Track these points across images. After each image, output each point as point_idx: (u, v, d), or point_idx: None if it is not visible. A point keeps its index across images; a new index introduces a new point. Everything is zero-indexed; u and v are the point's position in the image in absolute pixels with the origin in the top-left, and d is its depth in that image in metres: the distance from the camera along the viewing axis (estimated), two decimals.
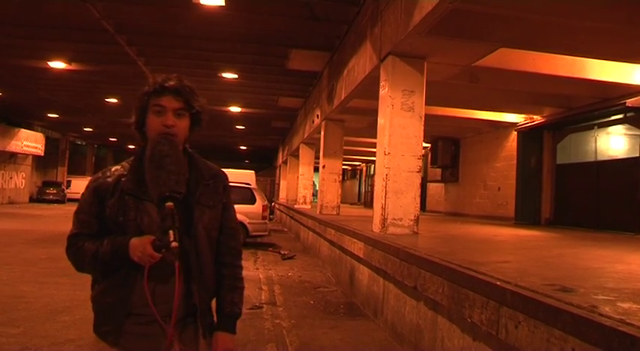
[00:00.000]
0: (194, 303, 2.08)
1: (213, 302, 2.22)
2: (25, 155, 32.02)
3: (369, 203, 25.19)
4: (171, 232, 1.88)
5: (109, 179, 2.05)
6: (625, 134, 11.50)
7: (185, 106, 2.06)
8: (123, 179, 2.04)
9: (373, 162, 23.41)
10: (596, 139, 12.22)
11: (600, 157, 12.00)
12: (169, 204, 1.90)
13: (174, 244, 1.86)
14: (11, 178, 31.22)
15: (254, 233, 14.10)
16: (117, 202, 2.01)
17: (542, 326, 2.72)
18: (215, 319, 2.19)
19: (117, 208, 2.00)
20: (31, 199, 33.87)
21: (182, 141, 2.09)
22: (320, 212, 13.30)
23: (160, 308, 1.95)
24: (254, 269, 10.24)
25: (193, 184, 2.10)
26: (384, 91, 7.54)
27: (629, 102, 10.12)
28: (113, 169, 2.10)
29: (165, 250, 1.88)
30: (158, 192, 1.92)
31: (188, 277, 2.04)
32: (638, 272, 4.57)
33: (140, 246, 1.91)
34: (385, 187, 7.21)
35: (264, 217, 14.34)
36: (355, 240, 7.52)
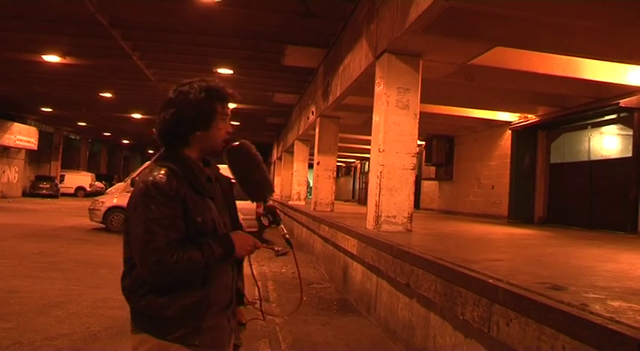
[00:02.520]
0: (238, 289, 2.25)
1: None
2: (19, 149, 31.85)
3: (363, 200, 25.24)
4: (282, 226, 2.30)
5: (175, 182, 1.96)
6: (618, 134, 11.56)
7: None
8: (186, 180, 2.01)
9: (368, 159, 23.42)
10: (589, 138, 12.27)
11: (593, 157, 12.05)
12: (271, 203, 2.24)
13: (287, 236, 2.26)
14: (4, 172, 31.05)
15: (248, 229, 13.99)
16: (193, 204, 1.99)
17: (533, 324, 2.75)
18: None
19: (195, 208, 1.99)
20: (24, 194, 33.71)
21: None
22: (314, 209, 13.31)
23: (225, 298, 2.09)
24: (247, 265, 10.20)
25: (225, 183, 2.35)
26: (379, 88, 7.55)
27: (623, 102, 10.16)
28: (168, 172, 1.98)
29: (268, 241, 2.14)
30: (264, 194, 2.25)
31: (232, 267, 2.19)
32: (628, 271, 4.60)
33: (249, 240, 2.10)
34: (379, 184, 7.22)
35: (257, 214, 14.33)
36: (349, 237, 7.53)
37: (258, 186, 2.22)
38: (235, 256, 2.08)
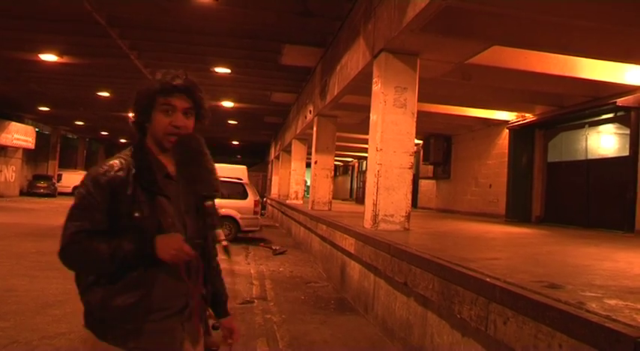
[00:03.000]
0: (202, 295, 2.09)
1: None
2: (16, 148, 31.76)
3: (360, 199, 25.22)
4: (220, 231, 1.92)
5: (121, 173, 1.93)
6: (615, 133, 11.58)
7: (193, 105, 2.03)
8: (132, 173, 1.95)
9: (365, 158, 23.43)
10: (586, 137, 12.29)
11: (591, 156, 12.07)
12: (210, 203, 1.92)
13: (224, 243, 1.89)
14: (1, 171, 30.97)
15: (245, 228, 14.10)
16: (132, 197, 1.92)
17: (530, 322, 2.75)
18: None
19: (132, 203, 1.91)
20: (22, 193, 33.63)
21: None
22: (312, 208, 13.31)
23: (176, 303, 1.96)
24: (245, 264, 10.25)
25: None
26: (376, 87, 7.56)
27: (620, 101, 10.19)
28: (117, 162, 1.97)
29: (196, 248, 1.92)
30: (199, 190, 1.93)
31: (203, 273, 2.07)
32: (625, 270, 4.61)
33: (174, 243, 1.87)
34: (377, 183, 7.23)
35: (255, 213, 14.34)
36: (346, 236, 7.54)
37: (192, 180, 1.96)
38: (166, 260, 1.89)
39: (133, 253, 1.86)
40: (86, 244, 1.86)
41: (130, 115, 2.08)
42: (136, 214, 1.90)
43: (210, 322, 2.21)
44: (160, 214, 1.94)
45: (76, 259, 1.90)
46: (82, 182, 1.96)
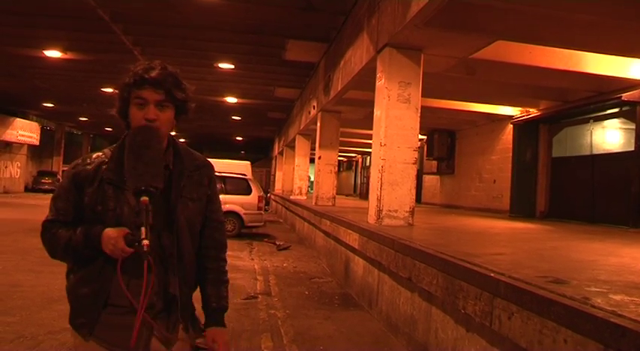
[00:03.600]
0: (173, 296, 2.00)
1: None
2: (21, 145, 31.90)
3: (364, 195, 25.26)
4: (143, 229, 1.81)
5: (89, 166, 1.97)
6: (620, 128, 11.53)
7: (167, 97, 1.97)
8: (104, 167, 1.96)
9: (369, 153, 23.42)
10: (591, 132, 12.24)
11: (596, 151, 12.03)
12: (144, 198, 1.83)
13: (145, 241, 1.79)
14: (6, 167, 31.12)
15: (249, 224, 14.13)
16: (96, 191, 1.93)
17: (535, 317, 2.75)
18: (194, 312, 2.15)
19: (96, 196, 1.93)
20: (27, 189, 33.79)
21: (166, 133, 2.02)
22: (315, 203, 13.32)
23: (136, 300, 1.87)
24: (249, 260, 10.27)
25: (177, 176, 2.05)
26: (380, 82, 7.54)
27: (625, 96, 10.13)
28: (94, 156, 2.02)
29: (137, 244, 1.83)
30: (134, 185, 1.85)
31: (167, 270, 1.99)
32: (630, 265, 4.60)
33: (113, 239, 1.85)
34: (381, 178, 7.22)
35: (259, 208, 14.35)
36: (350, 231, 7.54)
37: (130, 174, 1.89)
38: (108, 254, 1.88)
39: (82, 243, 1.91)
40: (51, 233, 1.97)
41: (114, 110, 2.06)
42: (99, 208, 1.93)
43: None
44: (122, 208, 1.93)
45: (45, 246, 2.01)
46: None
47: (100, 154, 2.03)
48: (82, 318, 1.95)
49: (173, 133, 2.17)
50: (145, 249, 1.79)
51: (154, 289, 1.92)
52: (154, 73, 1.95)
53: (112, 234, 1.86)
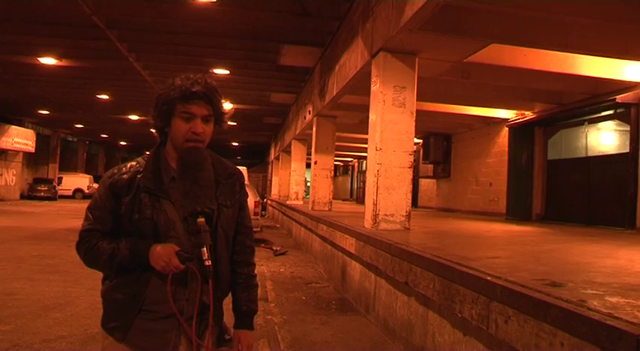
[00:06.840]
0: (205, 303, 2.06)
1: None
2: (16, 152, 31.77)
3: (361, 199, 25.22)
4: (204, 250, 1.96)
5: (125, 175, 2.02)
6: (615, 130, 11.58)
7: (213, 112, 2.04)
8: (139, 176, 2.01)
9: (365, 158, 23.42)
10: (586, 134, 12.28)
11: (591, 153, 12.07)
12: (201, 219, 1.98)
13: (208, 262, 1.96)
14: (1, 175, 30.98)
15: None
16: (133, 200, 1.98)
17: (531, 321, 2.74)
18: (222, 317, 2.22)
19: (132, 205, 1.98)
20: (22, 196, 33.63)
21: (206, 145, 2.11)
22: (312, 208, 13.31)
23: (169, 307, 1.98)
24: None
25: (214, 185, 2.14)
26: (375, 87, 7.55)
27: (619, 98, 10.18)
28: (129, 165, 2.07)
29: (188, 261, 1.94)
30: (192, 207, 1.99)
31: (203, 278, 2.04)
32: (626, 267, 4.60)
33: (165, 256, 1.92)
34: (377, 183, 7.22)
35: (256, 214, 14.28)
36: (347, 236, 7.52)
37: (184, 194, 2.03)
38: (160, 270, 1.95)
39: (128, 260, 1.96)
40: (91, 244, 2.00)
41: (151, 119, 2.11)
42: (136, 216, 1.97)
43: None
44: (159, 217, 1.98)
45: (83, 256, 2.04)
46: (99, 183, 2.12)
47: (134, 163, 2.09)
48: (114, 322, 2.01)
49: None
50: (209, 270, 1.97)
51: (188, 295, 2.02)
52: (202, 88, 2.01)
53: (161, 251, 1.93)
